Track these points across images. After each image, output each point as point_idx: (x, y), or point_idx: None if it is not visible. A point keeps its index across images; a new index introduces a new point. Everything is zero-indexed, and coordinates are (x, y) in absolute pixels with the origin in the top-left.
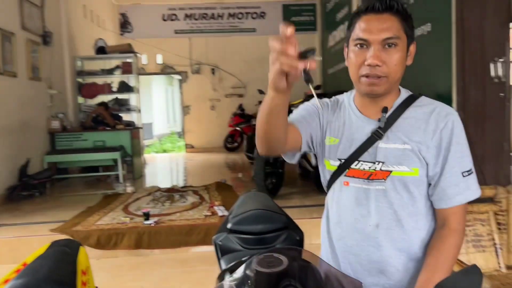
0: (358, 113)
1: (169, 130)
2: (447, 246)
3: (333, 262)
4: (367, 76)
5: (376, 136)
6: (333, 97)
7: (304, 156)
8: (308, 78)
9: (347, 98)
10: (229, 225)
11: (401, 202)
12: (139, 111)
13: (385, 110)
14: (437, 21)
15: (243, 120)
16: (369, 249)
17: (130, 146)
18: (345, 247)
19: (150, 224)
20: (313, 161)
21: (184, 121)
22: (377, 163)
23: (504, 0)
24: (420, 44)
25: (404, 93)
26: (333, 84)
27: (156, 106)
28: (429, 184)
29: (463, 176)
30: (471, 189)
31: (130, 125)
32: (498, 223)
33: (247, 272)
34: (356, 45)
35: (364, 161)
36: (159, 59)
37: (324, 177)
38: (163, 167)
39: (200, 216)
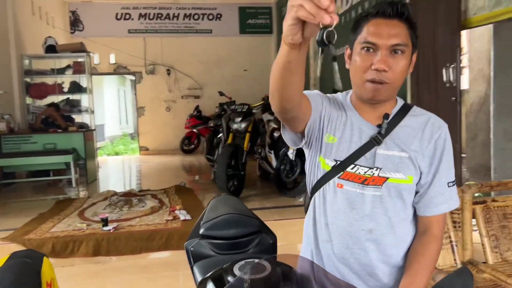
0: (359, 116)
1: (121, 131)
2: (429, 252)
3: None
4: (372, 81)
5: (375, 141)
6: (331, 95)
7: (265, 158)
8: (327, 39)
9: (343, 98)
10: (201, 231)
11: (395, 208)
12: (92, 112)
13: (386, 116)
14: None
15: (200, 122)
16: (359, 253)
17: (83, 148)
18: (332, 250)
19: (109, 230)
20: (273, 162)
21: (138, 123)
22: (374, 168)
23: (454, 8)
24: None
25: (400, 101)
26: None
27: (108, 107)
28: (416, 192)
29: (448, 186)
30: (454, 198)
31: (83, 126)
32: (454, 221)
33: (229, 278)
34: (363, 48)
35: (360, 166)
36: (112, 59)
37: (314, 175)
38: (117, 170)
39: (161, 221)
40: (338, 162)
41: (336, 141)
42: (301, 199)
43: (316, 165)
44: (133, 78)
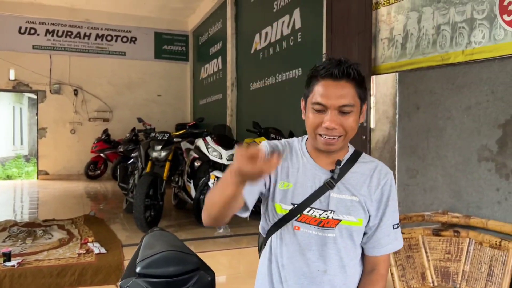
0: (312, 161)
1: (15, 153)
2: None
3: None
4: (323, 135)
5: (328, 186)
6: (284, 141)
7: (183, 187)
8: None
9: (298, 144)
10: (137, 269)
11: (346, 249)
12: None
13: (339, 163)
14: (307, 66)
15: (109, 146)
16: None
17: None
18: None
19: (13, 265)
20: (192, 193)
21: (38, 145)
22: (329, 211)
23: (366, 56)
24: (292, 85)
25: (351, 148)
26: (203, 114)
27: (0, 125)
28: (364, 233)
29: (394, 228)
30: (398, 240)
31: None
32: None
33: None
34: (314, 107)
35: (316, 208)
36: (12, 74)
37: (268, 219)
38: (12, 197)
39: (72, 254)
40: (296, 206)
41: (291, 187)
42: (221, 230)
43: (272, 210)
44: (34, 96)
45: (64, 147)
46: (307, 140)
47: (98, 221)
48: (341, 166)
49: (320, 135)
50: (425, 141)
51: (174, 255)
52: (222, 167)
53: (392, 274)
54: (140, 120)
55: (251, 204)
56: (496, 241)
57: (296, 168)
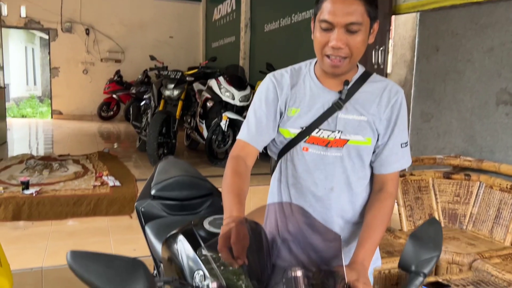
0: (319, 84)
1: (29, 93)
2: (385, 208)
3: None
4: (330, 56)
5: (336, 106)
6: (290, 68)
7: (195, 128)
8: None
9: (306, 68)
10: (152, 192)
11: (353, 168)
12: (1, 68)
13: (346, 83)
14: None
15: (121, 88)
16: (320, 210)
17: None
18: None
19: (31, 193)
20: (204, 133)
21: (51, 84)
22: (336, 131)
23: None
24: (308, 26)
25: (361, 69)
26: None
27: (13, 65)
28: (373, 152)
29: (402, 147)
30: (406, 158)
31: None
32: None
33: (200, 233)
34: (321, 25)
35: (324, 129)
36: (23, 11)
37: (277, 145)
38: (28, 134)
39: (88, 186)
40: (304, 128)
41: (299, 111)
42: None
43: (280, 135)
44: (46, 36)
45: (77, 87)
46: (316, 63)
47: (112, 157)
48: (349, 86)
49: (328, 56)
50: (442, 84)
51: (188, 179)
52: (234, 108)
53: (399, 214)
54: (152, 58)
55: (261, 148)
56: (507, 185)
57: (303, 92)
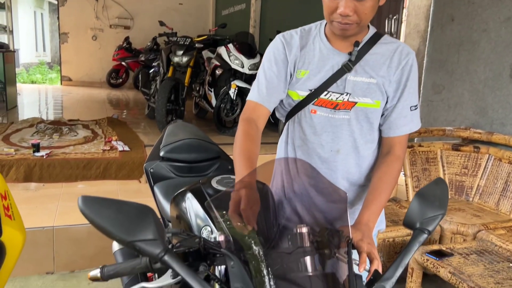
0: (329, 45)
1: (38, 59)
2: (392, 171)
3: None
4: (339, 22)
5: (345, 68)
6: (299, 29)
7: (204, 96)
8: None
9: (316, 29)
10: (161, 153)
11: (361, 131)
12: (11, 32)
13: (356, 44)
14: None
15: (130, 55)
16: (325, 172)
17: (3, 71)
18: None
19: (42, 156)
20: (213, 101)
21: (61, 50)
22: (344, 94)
23: None
24: None
25: (372, 30)
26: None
27: (23, 31)
28: (382, 115)
29: (411, 109)
30: (415, 122)
31: (2, 47)
32: None
33: (208, 191)
34: None
35: (332, 92)
36: None
37: (285, 108)
38: (37, 99)
39: (97, 150)
40: (312, 90)
41: (308, 73)
42: None
43: (289, 98)
44: (54, 0)
45: (86, 53)
46: (326, 25)
47: (121, 123)
48: (359, 48)
49: (335, 21)
50: (455, 55)
51: (197, 142)
52: (243, 76)
53: (406, 184)
54: (162, 23)
55: (272, 109)
56: None
57: (312, 54)
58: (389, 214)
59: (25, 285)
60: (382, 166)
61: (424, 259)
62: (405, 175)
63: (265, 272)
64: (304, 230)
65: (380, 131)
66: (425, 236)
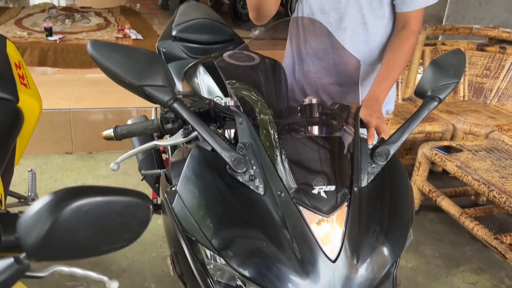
0: None
1: None
2: (406, 46)
3: (298, 66)
4: None
5: None
6: None
7: None
8: None
9: None
10: (173, 32)
11: (370, 6)
12: None
13: None
14: None
15: None
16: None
17: None
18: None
19: (55, 40)
20: None
21: None
22: None
23: None
24: None
25: None
26: None
27: None
28: None
29: None
30: None
31: None
32: None
33: (220, 64)
34: None
35: None
36: None
37: None
38: None
39: (110, 37)
40: None
41: None
42: (256, 32)
43: None
44: None
45: None
46: None
47: (134, 13)
48: None
49: None
50: None
51: (210, 23)
52: None
53: None
54: None
55: None
56: None
57: None
58: (403, 113)
59: (46, 162)
60: (396, 41)
61: (432, 153)
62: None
63: (272, 131)
64: (314, 101)
65: (393, 6)
66: (435, 103)
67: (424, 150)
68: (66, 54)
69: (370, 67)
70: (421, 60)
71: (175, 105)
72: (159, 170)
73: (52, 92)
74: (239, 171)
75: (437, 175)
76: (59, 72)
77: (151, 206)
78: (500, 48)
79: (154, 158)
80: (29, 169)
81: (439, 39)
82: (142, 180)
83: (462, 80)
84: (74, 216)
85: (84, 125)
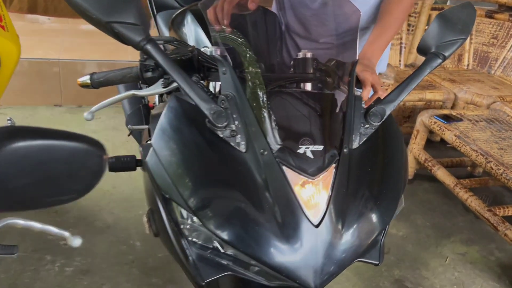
0: None
1: None
2: (401, 5)
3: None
4: None
5: None
6: None
7: None
8: None
9: None
10: None
11: None
12: None
13: None
14: None
15: None
16: (316, 24)
17: None
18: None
19: None
20: None
21: None
22: None
23: None
24: None
25: None
26: None
27: None
28: None
29: None
30: None
31: None
32: (409, 25)
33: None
34: None
35: None
36: None
37: None
38: None
39: None
40: None
41: None
42: None
43: None
44: None
45: None
46: None
47: None
48: None
49: None
50: None
51: None
52: None
53: None
54: None
55: None
56: None
57: None
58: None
59: (33, 113)
60: (391, 3)
61: (431, 121)
62: None
63: (259, 84)
64: (309, 55)
65: None
66: (439, 61)
67: (423, 118)
68: (57, 2)
69: (361, 32)
70: (427, 26)
71: (148, 47)
72: (147, 126)
73: (41, 42)
74: (219, 125)
75: (434, 145)
76: (50, 21)
77: (105, 156)
78: (509, 15)
79: (142, 113)
80: (8, 118)
81: (447, 3)
82: (128, 135)
83: (467, 48)
84: (7, 160)
85: (74, 77)
